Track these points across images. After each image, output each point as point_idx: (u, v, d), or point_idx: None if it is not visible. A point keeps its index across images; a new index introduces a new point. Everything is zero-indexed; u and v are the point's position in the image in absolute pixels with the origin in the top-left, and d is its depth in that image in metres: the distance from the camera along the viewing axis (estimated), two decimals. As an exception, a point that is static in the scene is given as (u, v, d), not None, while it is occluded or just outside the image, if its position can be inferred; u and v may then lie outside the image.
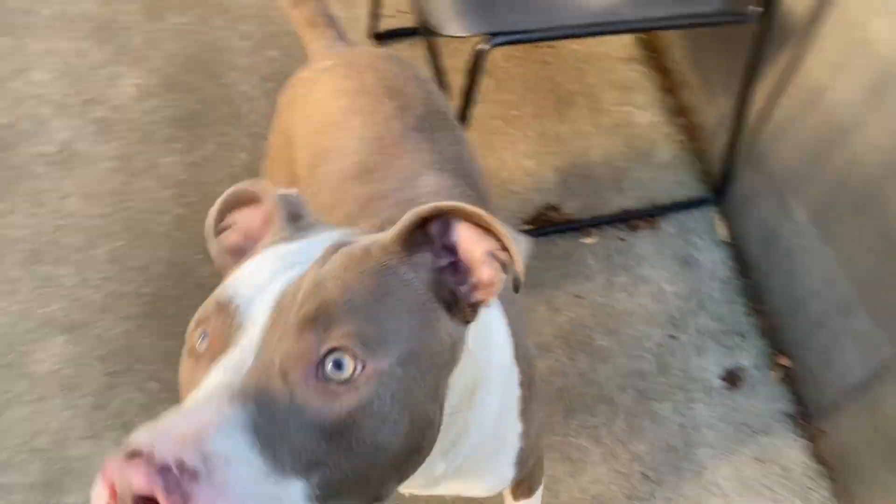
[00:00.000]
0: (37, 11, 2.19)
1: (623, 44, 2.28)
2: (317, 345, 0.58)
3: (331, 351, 0.57)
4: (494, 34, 1.35)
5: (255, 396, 0.55)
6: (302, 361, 0.57)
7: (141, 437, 0.51)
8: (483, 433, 0.87)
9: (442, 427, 0.70)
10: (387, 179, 1.03)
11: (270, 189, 0.76)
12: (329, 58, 1.23)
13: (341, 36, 1.29)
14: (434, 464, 0.80)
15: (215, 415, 0.54)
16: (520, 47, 2.21)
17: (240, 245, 0.77)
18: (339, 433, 0.57)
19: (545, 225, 1.88)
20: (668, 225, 1.92)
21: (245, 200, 0.78)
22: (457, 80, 1.64)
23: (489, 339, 0.86)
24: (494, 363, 0.87)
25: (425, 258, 0.68)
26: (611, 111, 2.12)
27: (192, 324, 0.65)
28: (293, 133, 1.20)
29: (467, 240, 0.69)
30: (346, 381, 0.57)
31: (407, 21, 2.19)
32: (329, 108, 1.15)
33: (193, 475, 0.50)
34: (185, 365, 0.64)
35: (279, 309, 0.60)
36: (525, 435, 0.99)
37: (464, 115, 1.55)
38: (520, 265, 0.66)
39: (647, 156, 2.04)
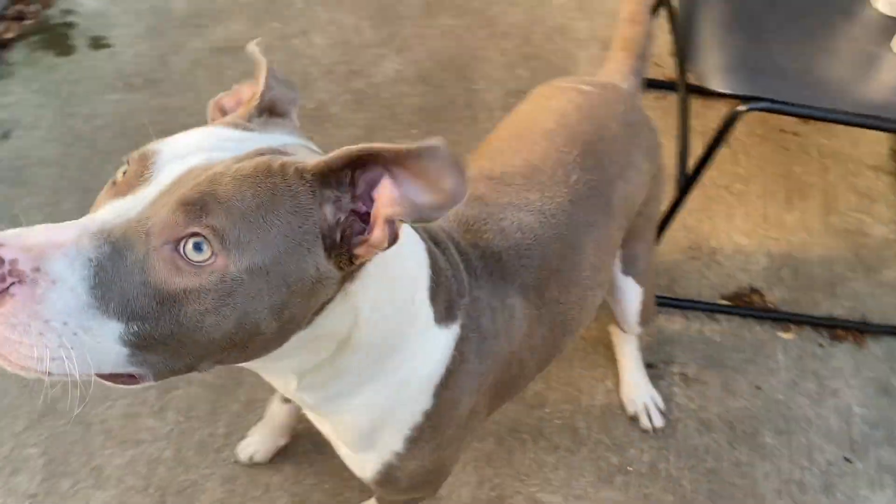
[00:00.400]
0: (332, -14, 2.44)
1: (876, 151, 2.16)
2: (184, 225, 0.63)
3: (193, 234, 0.63)
4: (756, 98, 1.34)
5: (115, 241, 0.63)
6: (166, 232, 0.63)
7: (4, 233, 0.60)
8: (357, 405, 0.89)
9: (294, 348, 0.75)
10: (505, 188, 1.07)
11: (269, 73, 0.81)
12: (596, 82, 1.27)
13: (637, 72, 1.31)
14: (285, 374, 0.84)
15: (69, 240, 0.61)
16: (765, 125, 2.15)
17: (230, 108, 0.83)
18: (169, 302, 0.64)
19: (743, 306, 1.81)
20: (877, 346, 1.79)
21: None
22: (693, 142, 1.64)
23: (408, 336, 0.86)
24: (405, 358, 0.87)
25: (338, 196, 0.69)
26: (844, 214, 2.01)
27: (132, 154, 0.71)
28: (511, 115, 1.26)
29: (384, 197, 0.68)
30: (195, 265, 0.63)
31: (657, 73, 2.22)
32: (551, 105, 1.20)
33: (20, 278, 0.59)
34: (103, 190, 0.71)
35: (180, 181, 0.66)
36: (402, 459, 0.97)
37: (696, 174, 1.54)
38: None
39: (872, 270, 1.92)
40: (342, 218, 0.70)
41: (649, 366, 1.71)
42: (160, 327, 0.64)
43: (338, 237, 0.70)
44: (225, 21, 2.32)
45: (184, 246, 0.63)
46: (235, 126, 0.75)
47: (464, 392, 0.96)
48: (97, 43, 2.23)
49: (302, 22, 2.34)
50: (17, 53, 2.19)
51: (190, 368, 0.70)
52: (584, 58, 2.29)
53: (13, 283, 0.59)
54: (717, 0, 1.42)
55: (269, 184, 0.66)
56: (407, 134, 2.08)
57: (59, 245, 0.61)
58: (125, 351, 0.64)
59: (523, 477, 1.56)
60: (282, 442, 1.53)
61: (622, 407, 1.66)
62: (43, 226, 0.63)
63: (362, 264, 0.72)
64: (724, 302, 1.82)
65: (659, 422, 1.63)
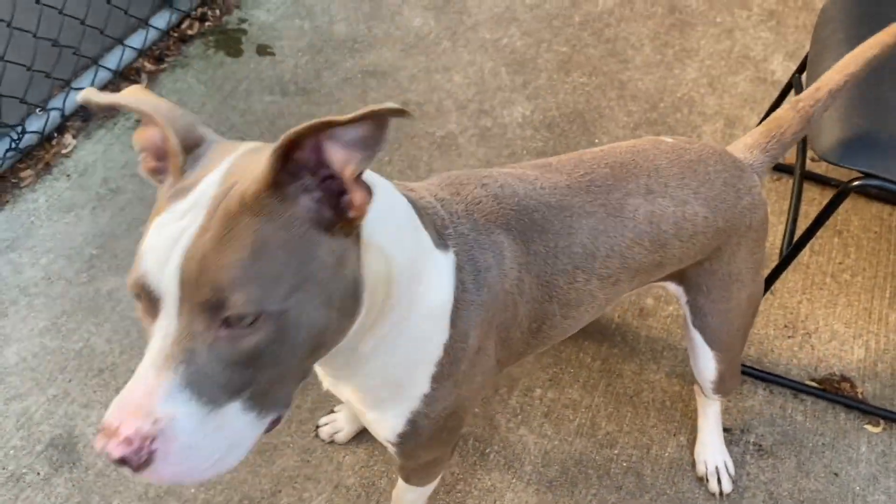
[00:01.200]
0: (480, 31, 2.62)
1: None
2: (218, 316, 0.70)
3: (229, 316, 0.70)
4: (871, 175, 1.37)
5: (182, 358, 0.70)
6: (210, 326, 0.71)
7: (109, 416, 0.69)
8: (393, 349, 0.95)
9: (364, 306, 0.83)
10: (510, 169, 1.15)
11: (159, 110, 0.79)
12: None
13: (766, 150, 1.30)
14: (359, 337, 0.89)
15: (156, 383, 0.69)
16: (881, 224, 2.14)
17: (158, 167, 0.82)
18: (252, 360, 0.72)
19: (831, 391, 1.79)
20: (969, 458, 1.72)
21: (145, 122, 0.83)
22: (804, 226, 1.66)
23: (420, 270, 0.92)
24: (421, 297, 0.93)
25: (303, 185, 0.73)
26: (954, 324, 1.96)
27: (128, 283, 0.75)
28: None
29: (337, 161, 0.71)
30: (249, 326, 0.71)
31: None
32: (616, 142, 1.26)
33: (151, 437, 0.68)
34: (139, 313, 0.77)
35: (183, 282, 0.70)
36: (428, 401, 1.02)
37: (800, 245, 1.57)
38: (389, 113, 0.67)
39: (976, 384, 1.86)
40: (319, 196, 0.74)
41: (725, 430, 1.71)
42: (261, 379, 0.74)
43: (328, 213, 0.74)
44: (378, 48, 2.53)
45: (228, 323, 0.71)
46: (176, 197, 0.75)
47: (470, 324, 1.01)
48: (263, 50, 2.49)
49: (445, 59, 2.52)
50: (194, 48, 2.46)
51: (302, 379, 0.81)
52: (708, 131, 2.35)
53: (151, 441, 0.69)
54: (845, 79, 1.46)
55: (242, 225, 0.70)
56: (524, 173, 2.19)
57: (152, 391, 0.70)
58: (254, 413, 0.75)
59: (581, 509, 1.59)
60: (363, 427, 1.62)
61: (692, 464, 1.67)
62: (129, 383, 0.71)
63: (361, 219, 0.77)
64: (813, 384, 1.81)
65: (727, 487, 1.63)
